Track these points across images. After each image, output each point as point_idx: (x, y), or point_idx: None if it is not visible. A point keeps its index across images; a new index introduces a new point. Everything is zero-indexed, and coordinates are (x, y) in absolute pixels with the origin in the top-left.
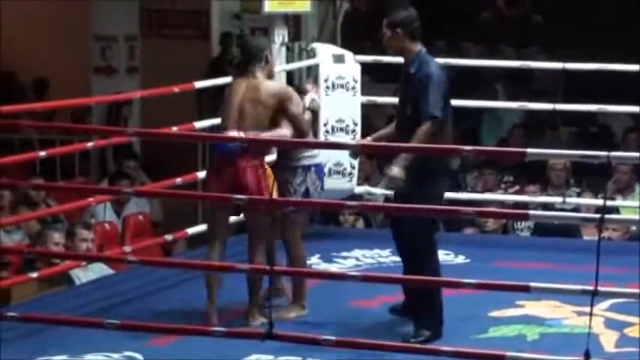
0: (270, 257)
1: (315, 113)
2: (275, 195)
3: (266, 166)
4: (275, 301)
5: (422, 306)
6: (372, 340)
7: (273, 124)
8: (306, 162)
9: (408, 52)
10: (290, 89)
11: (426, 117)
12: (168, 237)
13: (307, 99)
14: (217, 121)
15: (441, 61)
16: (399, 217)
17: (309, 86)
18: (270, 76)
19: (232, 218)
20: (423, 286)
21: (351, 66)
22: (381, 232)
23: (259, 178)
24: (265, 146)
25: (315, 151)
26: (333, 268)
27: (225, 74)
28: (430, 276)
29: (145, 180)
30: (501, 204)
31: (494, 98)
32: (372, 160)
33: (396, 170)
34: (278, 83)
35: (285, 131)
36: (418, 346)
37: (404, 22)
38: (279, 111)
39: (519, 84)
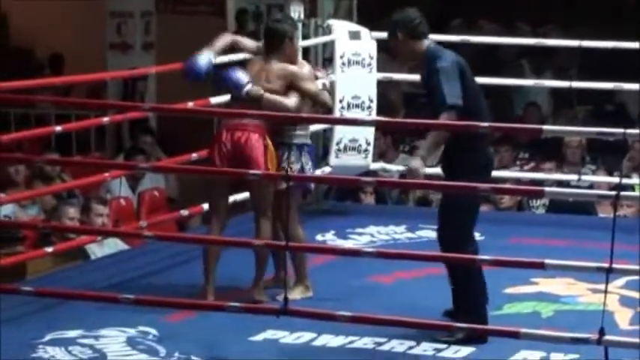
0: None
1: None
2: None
3: (268, 141)
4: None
5: (465, 308)
6: (387, 316)
7: None
8: (299, 140)
9: (415, 53)
10: (296, 69)
11: (442, 108)
12: (184, 212)
13: (318, 84)
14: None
15: (457, 38)
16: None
17: (319, 73)
18: (292, 61)
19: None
20: (466, 294)
21: (367, 42)
22: (396, 209)
23: (265, 152)
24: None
25: (309, 132)
26: (348, 244)
27: (241, 50)
28: (473, 282)
29: (161, 155)
30: (517, 181)
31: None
32: (388, 137)
33: (415, 162)
34: (286, 65)
35: (290, 101)
36: (433, 322)
37: (400, 24)
38: (294, 91)
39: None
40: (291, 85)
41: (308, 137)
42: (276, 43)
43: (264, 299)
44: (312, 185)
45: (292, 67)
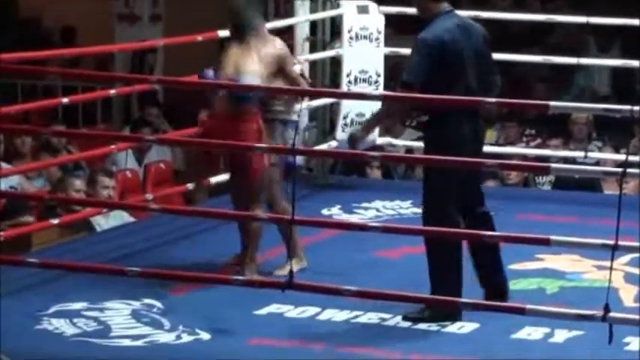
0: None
1: None
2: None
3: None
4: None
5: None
6: (393, 291)
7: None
8: (281, 116)
9: (426, 11)
10: (286, 53)
11: (400, 82)
12: (190, 185)
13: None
14: None
15: (466, 14)
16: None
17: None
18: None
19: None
20: (439, 262)
21: (375, 17)
22: (402, 184)
23: (260, 128)
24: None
25: (297, 108)
26: (353, 218)
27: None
28: (448, 257)
29: (167, 128)
30: (523, 157)
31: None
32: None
33: (354, 131)
34: (276, 49)
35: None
36: (437, 297)
37: None
38: (279, 74)
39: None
40: (280, 68)
41: (291, 113)
42: (250, 25)
43: (255, 276)
44: (299, 161)
45: (282, 51)
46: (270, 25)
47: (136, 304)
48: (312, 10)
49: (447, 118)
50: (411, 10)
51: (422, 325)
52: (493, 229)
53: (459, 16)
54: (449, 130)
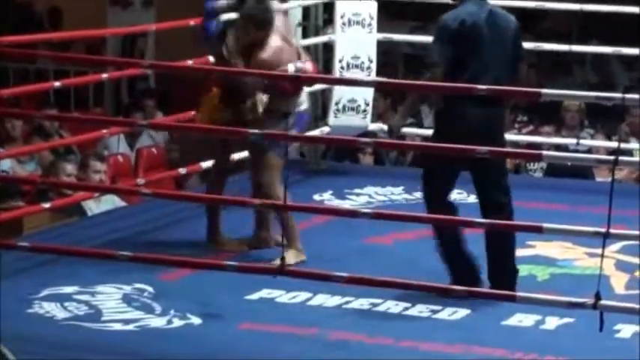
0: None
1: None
2: None
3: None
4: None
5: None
6: (384, 277)
7: None
8: (283, 109)
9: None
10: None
11: (428, 64)
12: (182, 170)
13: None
14: None
15: None
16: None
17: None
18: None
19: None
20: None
21: (368, 3)
22: (394, 170)
23: None
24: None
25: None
26: (345, 204)
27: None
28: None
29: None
30: (515, 144)
31: None
32: (388, 99)
33: (394, 121)
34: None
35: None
36: (431, 284)
37: None
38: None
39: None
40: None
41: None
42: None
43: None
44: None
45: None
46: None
47: (127, 289)
48: None
49: (458, 106)
50: None
51: (413, 311)
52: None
53: (489, 4)
54: (458, 118)
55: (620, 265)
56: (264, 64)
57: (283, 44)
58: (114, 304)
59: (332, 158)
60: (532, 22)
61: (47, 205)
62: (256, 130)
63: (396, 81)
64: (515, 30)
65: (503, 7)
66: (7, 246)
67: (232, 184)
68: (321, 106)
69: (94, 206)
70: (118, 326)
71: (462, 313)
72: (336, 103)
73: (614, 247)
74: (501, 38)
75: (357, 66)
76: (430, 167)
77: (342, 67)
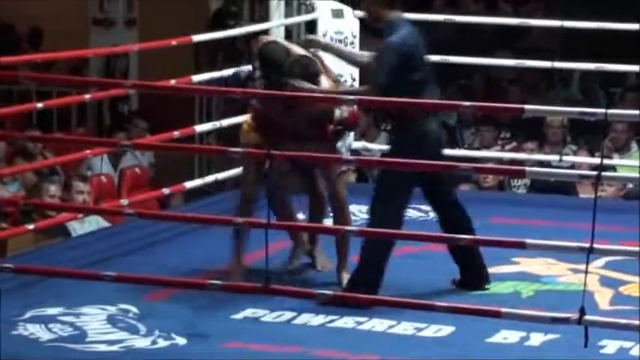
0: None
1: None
2: None
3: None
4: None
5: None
6: (369, 295)
7: None
8: None
9: (379, 18)
10: None
11: (369, 83)
12: (166, 190)
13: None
14: (215, 74)
15: (440, 17)
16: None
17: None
18: None
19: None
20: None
21: (350, 21)
22: None
23: None
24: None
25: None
26: (329, 222)
27: (227, 27)
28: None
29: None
30: (498, 160)
31: None
32: (369, 116)
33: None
34: None
35: None
36: (414, 301)
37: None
38: None
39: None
40: None
41: None
42: None
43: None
44: None
45: None
46: (245, 29)
47: (112, 309)
48: (287, 14)
49: (414, 122)
50: None
51: (398, 329)
52: (464, 213)
53: (409, 22)
54: (415, 132)
55: (605, 281)
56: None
57: (330, 82)
58: (98, 325)
59: None
60: (513, 39)
61: (31, 227)
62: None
63: (379, 99)
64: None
65: (486, 25)
66: None
67: (217, 203)
68: None
69: (78, 227)
70: (102, 347)
71: (447, 330)
72: None
73: (598, 263)
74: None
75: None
76: (392, 184)
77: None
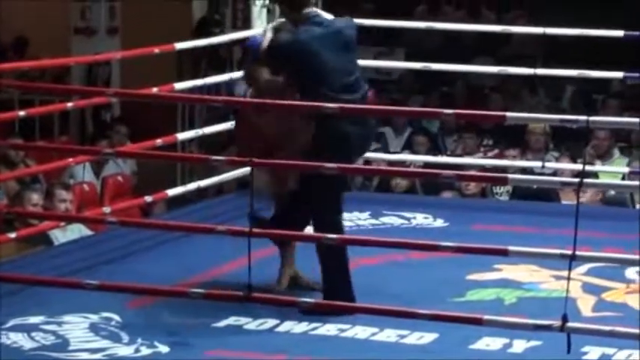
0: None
1: None
2: None
3: None
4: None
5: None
6: (351, 303)
7: None
8: None
9: (290, 19)
10: None
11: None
12: (148, 198)
13: None
14: (198, 82)
15: (422, 25)
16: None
17: None
18: None
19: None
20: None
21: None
22: (360, 195)
23: None
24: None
25: None
26: (311, 230)
27: (212, 34)
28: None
29: (126, 142)
30: (481, 168)
31: None
32: None
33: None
34: None
35: None
36: (396, 308)
37: None
38: None
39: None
40: None
41: None
42: None
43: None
44: None
45: None
46: (227, 37)
47: (95, 318)
48: (269, 21)
49: (332, 121)
50: (368, 22)
51: (381, 336)
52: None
53: (327, 19)
54: (333, 132)
55: (587, 288)
56: None
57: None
58: (81, 333)
59: None
60: (495, 46)
61: (13, 235)
62: (219, 157)
63: (363, 107)
64: (353, 30)
65: (467, 32)
66: None
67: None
68: None
69: (61, 235)
70: (85, 355)
71: (430, 337)
72: None
73: (580, 270)
74: (343, 51)
75: None
76: (327, 186)
77: None
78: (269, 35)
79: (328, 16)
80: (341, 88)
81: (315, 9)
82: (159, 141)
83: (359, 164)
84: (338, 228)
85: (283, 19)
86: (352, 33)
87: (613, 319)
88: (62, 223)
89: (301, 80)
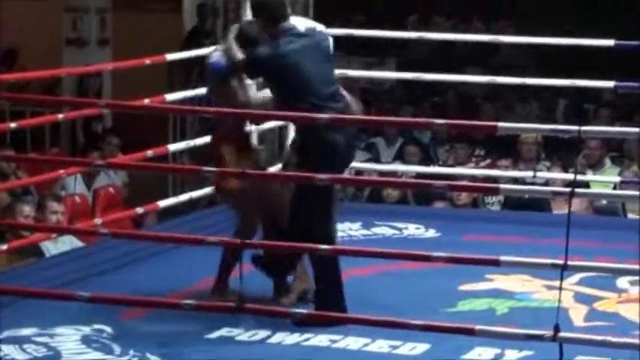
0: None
1: None
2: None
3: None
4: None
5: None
6: (343, 314)
7: None
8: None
9: (267, 33)
10: None
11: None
12: (140, 210)
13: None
14: (189, 93)
15: (413, 35)
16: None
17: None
18: None
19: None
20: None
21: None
22: (352, 206)
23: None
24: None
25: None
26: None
27: (202, 45)
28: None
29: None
30: (472, 178)
31: None
32: None
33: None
34: None
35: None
36: (388, 319)
37: (259, 8)
38: None
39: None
40: None
41: None
42: None
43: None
44: None
45: None
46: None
47: (86, 330)
48: None
49: (317, 131)
50: (359, 32)
51: (373, 347)
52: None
53: (304, 31)
54: (319, 142)
55: (579, 297)
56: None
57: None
58: (73, 345)
59: None
60: (486, 55)
61: (4, 247)
62: (211, 169)
63: (353, 117)
64: (328, 41)
65: (455, 42)
66: None
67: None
68: (278, 142)
69: (52, 247)
70: None
71: (422, 347)
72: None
73: (572, 279)
74: (321, 61)
75: None
76: (316, 198)
77: None
78: (235, 47)
79: (307, 25)
80: (326, 98)
81: (292, 22)
82: (150, 152)
83: (350, 174)
84: (330, 239)
85: (239, 25)
86: (329, 44)
87: (605, 328)
88: (54, 235)
89: (285, 93)
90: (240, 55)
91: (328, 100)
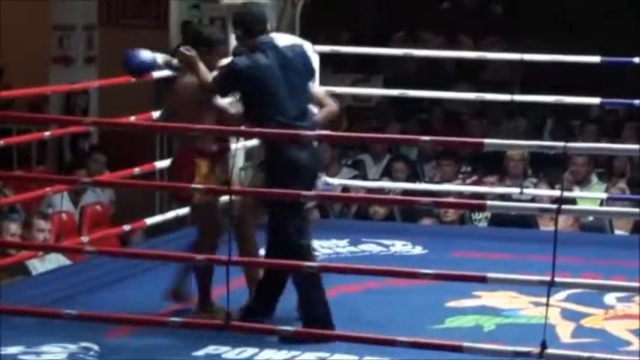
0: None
1: None
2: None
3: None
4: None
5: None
6: (330, 331)
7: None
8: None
9: (248, 47)
10: None
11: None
12: (127, 227)
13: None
14: None
15: (400, 52)
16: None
17: None
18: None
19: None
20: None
21: (310, 56)
22: (339, 223)
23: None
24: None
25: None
26: None
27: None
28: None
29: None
30: (459, 194)
31: None
32: (330, 151)
33: None
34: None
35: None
36: (376, 336)
37: (239, 19)
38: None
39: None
40: None
41: None
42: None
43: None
44: None
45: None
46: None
47: (73, 348)
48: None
49: (284, 147)
50: (346, 49)
51: None
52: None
53: (282, 47)
54: (286, 159)
55: (566, 314)
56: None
57: None
58: None
59: None
60: (473, 72)
61: None
62: (198, 186)
63: (340, 134)
64: (305, 57)
65: (443, 58)
66: None
67: (177, 239)
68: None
69: (39, 265)
70: None
71: None
72: None
73: (559, 296)
74: (294, 77)
75: None
76: (289, 213)
77: None
78: (203, 68)
79: (288, 41)
80: (295, 117)
81: (271, 36)
82: (137, 169)
83: (337, 191)
84: (305, 253)
85: (192, 26)
86: (308, 61)
87: (592, 345)
88: (40, 253)
89: (256, 106)
90: (208, 75)
91: (295, 119)
